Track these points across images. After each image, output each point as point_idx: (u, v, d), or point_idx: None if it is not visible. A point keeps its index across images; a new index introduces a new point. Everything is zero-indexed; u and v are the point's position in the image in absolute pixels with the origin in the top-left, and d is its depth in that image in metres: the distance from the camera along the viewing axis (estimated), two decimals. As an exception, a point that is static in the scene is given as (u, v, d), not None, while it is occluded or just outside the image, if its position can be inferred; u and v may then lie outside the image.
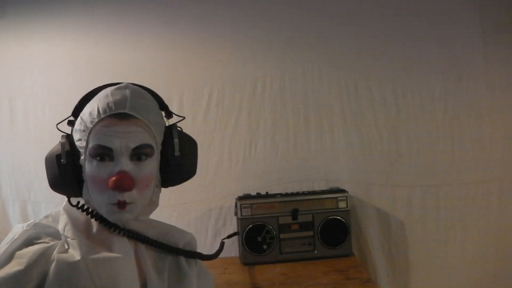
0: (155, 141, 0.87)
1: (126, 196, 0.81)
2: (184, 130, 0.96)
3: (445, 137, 1.89)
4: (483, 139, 1.88)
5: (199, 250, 1.00)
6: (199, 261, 1.01)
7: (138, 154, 0.84)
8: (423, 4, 1.88)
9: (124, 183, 0.80)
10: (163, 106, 0.95)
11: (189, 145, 0.94)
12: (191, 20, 1.91)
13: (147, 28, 1.91)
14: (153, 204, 0.91)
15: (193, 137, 0.96)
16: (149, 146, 0.85)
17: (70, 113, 0.93)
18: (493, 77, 1.88)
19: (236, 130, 1.91)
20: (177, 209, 1.88)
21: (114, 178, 0.80)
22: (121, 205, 0.81)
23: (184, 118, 0.97)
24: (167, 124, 0.94)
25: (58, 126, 0.90)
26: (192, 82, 1.91)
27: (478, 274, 1.88)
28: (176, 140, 0.90)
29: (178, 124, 0.95)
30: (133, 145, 0.82)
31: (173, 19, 1.91)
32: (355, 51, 1.90)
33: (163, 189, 0.93)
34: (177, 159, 0.89)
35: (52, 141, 0.94)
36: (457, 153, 1.88)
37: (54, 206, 1.88)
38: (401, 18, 1.89)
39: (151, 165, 0.86)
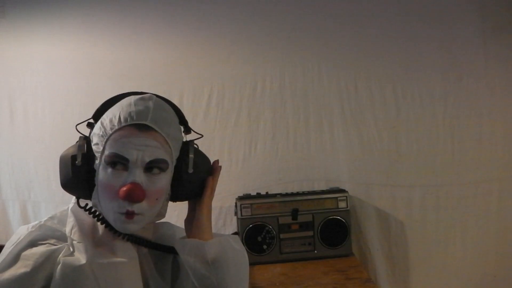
0: (171, 156, 0.87)
1: (135, 207, 0.81)
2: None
3: (445, 137, 1.89)
4: (483, 139, 1.88)
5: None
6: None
7: (152, 167, 0.83)
8: (423, 4, 1.89)
9: (134, 194, 0.80)
10: (183, 121, 0.94)
11: (204, 164, 0.92)
12: (191, 20, 1.91)
13: (147, 28, 1.91)
14: (161, 215, 0.90)
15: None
16: (164, 162, 0.85)
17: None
18: (493, 77, 1.88)
19: (236, 130, 1.92)
20: (177, 209, 1.85)
21: (125, 188, 0.80)
22: (129, 215, 0.81)
23: (202, 136, 0.96)
24: (184, 139, 0.93)
25: (77, 127, 0.90)
26: (192, 82, 1.91)
27: (478, 274, 1.88)
28: (191, 156, 0.89)
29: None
30: (148, 159, 0.82)
31: (173, 19, 1.91)
32: (355, 51, 1.90)
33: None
34: (190, 176, 0.89)
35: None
36: (457, 153, 1.88)
37: (54, 206, 1.89)
38: (401, 18, 1.89)
39: (164, 180, 0.86)
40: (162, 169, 0.85)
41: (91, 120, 0.91)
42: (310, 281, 1.56)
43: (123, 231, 0.84)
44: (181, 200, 0.93)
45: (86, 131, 0.91)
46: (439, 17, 1.88)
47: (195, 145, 0.92)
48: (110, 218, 0.83)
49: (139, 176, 0.81)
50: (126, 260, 0.84)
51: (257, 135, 1.92)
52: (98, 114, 0.89)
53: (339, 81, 1.91)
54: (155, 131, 0.84)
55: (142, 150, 0.82)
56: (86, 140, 0.87)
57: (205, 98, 1.91)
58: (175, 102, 1.98)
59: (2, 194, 1.98)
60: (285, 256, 1.74)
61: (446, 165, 1.89)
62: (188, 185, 0.89)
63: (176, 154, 0.88)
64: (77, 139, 0.89)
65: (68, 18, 1.92)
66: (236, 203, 1.74)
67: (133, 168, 0.82)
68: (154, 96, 0.89)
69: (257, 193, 1.79)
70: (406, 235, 1.89)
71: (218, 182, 0.97)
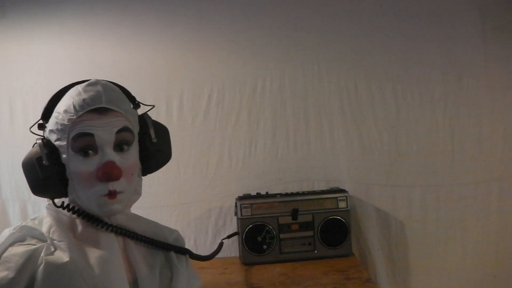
0: (134, 130, 0.89)
1: (116, 185, 0.83)
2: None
3: (445, 137, 1.89)
4: (483, 139, 1.88)
5: (199, 250, 1.00)
6: (189, 263, 1.01)
7: (120, 144, 0.85)
8: (423, 4, 1.88)
9: (113, 171, 0.82)
10: (130, 97, 0.96)
11: (163, 132, 0.96)
12: (191, 20, 1.91)
13: (147, 28, 1.91)
14: (137, 193, 0.92)
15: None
16: (131, 131, 0.87)
17: None
18: (493, 77, 1.88)
19: (236, 130, 1.91)
20: (177, 209, 1.87)
21: (102, 169, 0.81)
22: (112, 195, 0.82)
23: (153, 106, 0.99)
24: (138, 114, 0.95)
25: (31, 129, 0.91)
26: (192, 82, 1.91)
27: (478, 274, 1.88)
28: (151, 129, 0.92)
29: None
30: (116, 129, 0.84)
31: (173, 19, 1.91)
32: (355, 51, 1.90)
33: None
34: (155, 145, 0.92)
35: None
36: (457, 153, 1.88)
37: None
38: (401, 18, 1.89)
39: (133, 154, 0.88)
40: (129, 143, 0.87)
41: (41, 121, 0.91)
42: (310, 281, 1.56)
43: (108, 214, 0.85)
44: (150, 171, 0.95)
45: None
46: (439, 17, 1.88)
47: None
48: (93, 204, 0.83)
49: (111, 154, 0.83)
50: (110, 251, 0.85)
51: (257, 135, 1.92)
52: (47, 112, 0.90)
53: (339, 81, 1.91)
54: (114, 110, 0.85)
55: (107, 127, 0.83)
56: (44, 140, 0.87)
57: (205, 98, 1.91)
58: (175, 102, 2.00)
59: (2, 194, 1.98)
60: (285, 256, 1.74)
61: (446, 165, 1.89)
62: (155, 154, 0.93)
63: (136, 128, 0.90)
64: None
65: (68, 18, 1.91)
66: (236, 203, 1.74)
67: (103, 147, 0.83)
68: (100, 80, 0.90)
69: (257, 193, 1.79)
70: (406, 235, 1.89)
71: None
